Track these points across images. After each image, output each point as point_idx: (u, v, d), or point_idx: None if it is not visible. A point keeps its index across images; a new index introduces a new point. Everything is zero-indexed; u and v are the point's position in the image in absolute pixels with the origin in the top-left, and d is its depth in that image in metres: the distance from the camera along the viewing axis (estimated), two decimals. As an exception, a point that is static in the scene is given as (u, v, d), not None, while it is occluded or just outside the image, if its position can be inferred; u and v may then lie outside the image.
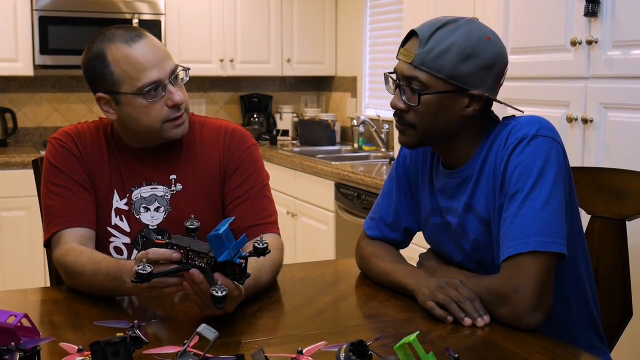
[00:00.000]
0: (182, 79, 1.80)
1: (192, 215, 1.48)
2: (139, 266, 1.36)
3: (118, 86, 1.74)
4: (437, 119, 1.58)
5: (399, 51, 1.62)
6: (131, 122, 1.78)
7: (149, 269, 1.36)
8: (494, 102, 1.62)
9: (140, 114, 1.75)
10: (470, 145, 1.63)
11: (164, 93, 1.75)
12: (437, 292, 1.54)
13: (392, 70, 1.64)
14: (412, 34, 1.59)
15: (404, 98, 1.59)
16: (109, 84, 1.75)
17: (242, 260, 1.38)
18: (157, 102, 1.74)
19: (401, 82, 1.60)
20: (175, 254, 1.39)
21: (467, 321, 1.48)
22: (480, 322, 1.48)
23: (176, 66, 1.78)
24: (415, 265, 1.80)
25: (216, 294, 1.33)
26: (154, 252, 1.41)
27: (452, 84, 1.55)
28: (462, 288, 1.53)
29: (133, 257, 1.83)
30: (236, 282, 1.41)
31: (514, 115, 1.65)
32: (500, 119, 1.66)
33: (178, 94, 1.76)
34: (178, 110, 1.77)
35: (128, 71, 1.72)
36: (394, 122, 1.67)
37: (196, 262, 1.38)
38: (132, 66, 1.72)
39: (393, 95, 1.64)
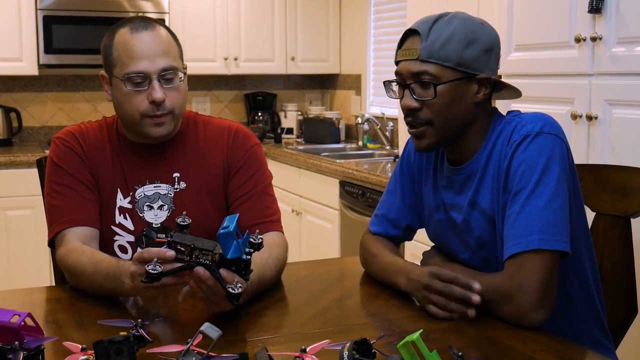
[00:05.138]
0: (180, 79, 1.79)
1: (184, 212, 1.47)
2: (149, 266, 1.36)
3: (112, 68, 1.79)
4: (452, 110, 1.58)
5: (397, 54, 1.62)
6: (118, 107, 1.83)
7: (159, 269, 1.35)
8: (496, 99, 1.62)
9: (123, 101, 1.79)
10: (478, 139, 1.62)
11: (147, 87, 1.76)
12: (428, 295, 1.52)
13: (393, 78, 1.64)
14: (408, 33, 1.60)
15: (415, 96, 1.58)
16: (108, 63, 1.81)
17: (248, 257, 1.38)
18: (140, 93, 1.76)
19: (408, 81, 1.59)
20: (169, 253, 1.38)
21: (471, 312, 1.47)
22: (475, 299, 1.47)
23: (171, 66, 1.77)
24: (420, 264, 1.80)
25: (233, 291, 1.35)
26: (147, 251, 1.40)
27: (461, 70, 1.55)
28: (443, 274, 1.51)
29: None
30: (242, 278, 1.41)
31: (519, 111, 1.65)
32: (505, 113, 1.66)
33: (159, 92, 1.75)
34: (157, 109, 1.77)
35: (122, 56, 1.76)
36: (407, 128, 1.64)
37: (201, 260, 1.38)
38: (125, 52, 1.76)
39: (398, 100, 1.63)
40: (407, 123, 1.63)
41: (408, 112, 1.61)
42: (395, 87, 1.66)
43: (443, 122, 1.59)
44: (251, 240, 1.40)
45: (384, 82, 1.68)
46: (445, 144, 1.65)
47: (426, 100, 1.57)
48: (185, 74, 1.82)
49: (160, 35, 1.79)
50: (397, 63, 1.63)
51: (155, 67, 1.75)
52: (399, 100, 1.65)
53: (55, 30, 4.37)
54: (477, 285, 1.48)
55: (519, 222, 1.49)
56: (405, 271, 1.64)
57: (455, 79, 1.56)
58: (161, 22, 1.87)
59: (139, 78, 1.75)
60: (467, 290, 1.48)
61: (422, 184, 1.79)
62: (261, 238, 1.41)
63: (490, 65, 1.60)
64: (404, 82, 1.60)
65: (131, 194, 1.86)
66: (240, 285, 1.36)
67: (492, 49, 1.59)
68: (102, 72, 1.85)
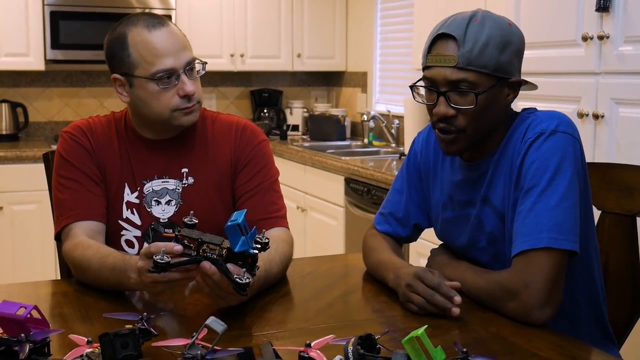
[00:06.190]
0: (197, 71, 1.82)
1: (191, 212, 1.47)
2: (157, 256, 1.36)
3: (133, 69, 1.77)
4: (487, 116, 1.56)
5: (427, 59, 1.56)
6: (142, 107, 1.81)
7: (167, 259, 1.36)
8: None
9: (151, 99, 1.78)
10: (498, 138, 1.61)
11: (176, 82, 1.76)
12: (409, 294, 1.53)
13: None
14: (439, 37, 1.55)
15: (451, 104, 1.54)
16: (126, 66, 1.78)
17: (255, 252, 1.38)
18: (168, 90, 1.76)
19: (443, 88, 1.54)
20: (177, 247, 1.38)
21: (456, 311, 1.47)
22: (455, 311, 1.47)
23: (193, 58, 1.80)
24: (427, 261, 1.81)
25: (240, 281, 1.35)
26: (155, 246, 1.40)
27: (496, 76, 1.53)
28: (427, 279, 1.51)
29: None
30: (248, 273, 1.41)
31: (534, 108, 1.64)
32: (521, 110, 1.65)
33: (190, 85, 1.77)
34: (188, 101, 1.79)
35: (144, 55, 1.75)
36: (437, 132, 1.59)
37: (208, 254, 1.38)
38: (149, 51, 1.75)
39: (420, 101, 1.60)
40: (439, 129, 1.59)
41: (441, 119, 1.57)
42: (422, 91, 1.61)
43: (476, 129, 1.56)
44: (257, 239, 1.40)
45: (410, 87, 1.63)
46: (474, 147, 1.62)
47: (462, 107, 1.54)
48: (205, 63, 1.84)
49: (174, 30, 1.80)
50: (426, 67, 1.57)
51: (181, 62, 1.76)
52: (426, 104, 1.60)
53: (62, 25, 4.38)
54: (458, 298, 1.48)
55: (529, 219, 1.49)
56: (396, 268, 1.65)
57: (492, 86, 1.53)
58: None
59: (167, 75, 1.76)
60: (447, 301, 1.48)
61: (429, 182, 1.79)
62: (267, 238, 1.41)
63: (519, 66, 1.59)
64: (438, 89, 1.55)
65: (139, 188, 1.86)
66: (248, 275, 1.36)
67: (521, 49, 1.58)
68: (116, 75, 1.81)
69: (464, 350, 1.14)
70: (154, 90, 1.76)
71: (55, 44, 4.39)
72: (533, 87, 1.67)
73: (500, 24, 1.54)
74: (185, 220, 1.45)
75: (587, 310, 1.64)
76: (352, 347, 1.14)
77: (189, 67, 1.78)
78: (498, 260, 1.62)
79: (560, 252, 1.47)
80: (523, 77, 1.62)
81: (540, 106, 1.70)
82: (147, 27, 1.76)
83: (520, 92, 1.68)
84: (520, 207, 1.52)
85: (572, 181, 1.50)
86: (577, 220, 1.50)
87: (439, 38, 1.55)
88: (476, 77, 1.51)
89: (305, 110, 5.37)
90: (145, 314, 1.28)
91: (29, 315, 1.21)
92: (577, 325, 1.63)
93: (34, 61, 4.40)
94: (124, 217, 1.85)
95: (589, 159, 2.33)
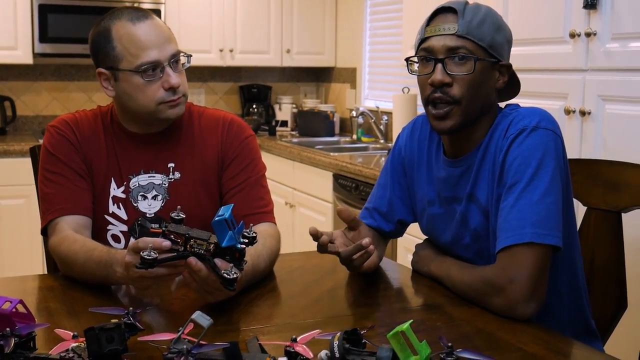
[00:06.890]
0: (182, 64, 1.81)
1: (178, 207, 1.46)
2: (144, 252, 1.35)
3: (118, 62, 1.76)
4: (479, 91, 1.58)
5: (425, 30, 1.59)
6: (127, 100, 1.80)
7: (154, 255, 1.35)
8: None
9: (136, 92, 1.77)
10: (483, 131, 1.62)
11: (161, 75, 1.76)
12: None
13: (411, 55, 1.63)
14: (439, 11, 1.59)
15: (447, 71, 1.56)
16: (110, 59, 1.77)
17: (243, 246, 1.38)
18: (153, 82, 1.76)
19: (441, 56, 1.56)
20: (165, 243, 1.37)
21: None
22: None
23: (178, 51, 1.80)
24: (412, 256, 1.81)
25: (228, 276, 1.35)
26: (143, 241, 1.39)
27: (491, 53, 1.57)
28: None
29: (130, 245, 1.84)
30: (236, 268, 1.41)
31: (517, 105, 1.65)
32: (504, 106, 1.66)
33: (175, 77, 1.77)
34: (174, 94, 1.78)
35: (129, 48, 1.74)
36: (430, 109, 1.59)
37: (195, 250, 1.38)
38: (133, 44, 1.74)
39: (417, 77, 1.62)
40: (432, 102, 1.59)
41: (436, 88, 1.57)
42: (417, 64, 1.63)
43: (470, 102, 1.57)
44: (245, 234, 1.40)
45: (406, 59, 1.65)
46: (464, 128, 1.61)
47: (459, 75, 1.55)
48: (190, 56, 1.84)
49: (159, 23, 1.80)
50: (423, 40, 1.60)
51: (165, 54, 1.76)
52: (418, 77, 1.62)
53: (50, 19, 4.36)
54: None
55: (513, 215, 1.50)
56: None
57: (486, 59, 1.57)
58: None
59: (152, 67, 1.75)
60: None
61: (414, 178, 1.79)
62: (255, 232, 1.41)
63: (509, 55, 1.63)
64: (436, 56, 1.57)
65: (125, 183, 1.86)
66: (235, 270, 1.36)
67: (510, 41, 1.63)
68: (101, 69, 1.81)
69: (449, 344, 1.14)
70: (139, 83, 1.76)
71: (44, 37, 4.36)
72: (515, 92, 1.69)
73: (493, 11, 1.61)
74: (173, 215, 1.44)
75: (570, 306, 1.65)
76: (337, 342, 1.14)
77: (174, 59, 1.78)
78: (482, 256, 1.62)
79: (544, 247, 1.48)
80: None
81: (528, 103, 1.71)
82: (131, 20, 1.76)
83: (504, 100, 1.70)
84: (503, 203, 1.53)
85: (554, 177, 1.51)
86: (560, 216, 1.51)
87: (437, 13, 1.59)
88: (474, 47, 1.55)
89: (294, 105, 5.37)
90: (131, 308, 1.27)
91: (14, 310, 1.21)
92: (562, 321, 1.64)
93: (22, 55, 4.37)
94: (110, 211, 1.85)
95: (576, 155, 2.35)
